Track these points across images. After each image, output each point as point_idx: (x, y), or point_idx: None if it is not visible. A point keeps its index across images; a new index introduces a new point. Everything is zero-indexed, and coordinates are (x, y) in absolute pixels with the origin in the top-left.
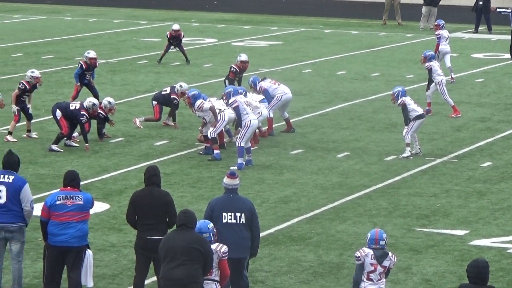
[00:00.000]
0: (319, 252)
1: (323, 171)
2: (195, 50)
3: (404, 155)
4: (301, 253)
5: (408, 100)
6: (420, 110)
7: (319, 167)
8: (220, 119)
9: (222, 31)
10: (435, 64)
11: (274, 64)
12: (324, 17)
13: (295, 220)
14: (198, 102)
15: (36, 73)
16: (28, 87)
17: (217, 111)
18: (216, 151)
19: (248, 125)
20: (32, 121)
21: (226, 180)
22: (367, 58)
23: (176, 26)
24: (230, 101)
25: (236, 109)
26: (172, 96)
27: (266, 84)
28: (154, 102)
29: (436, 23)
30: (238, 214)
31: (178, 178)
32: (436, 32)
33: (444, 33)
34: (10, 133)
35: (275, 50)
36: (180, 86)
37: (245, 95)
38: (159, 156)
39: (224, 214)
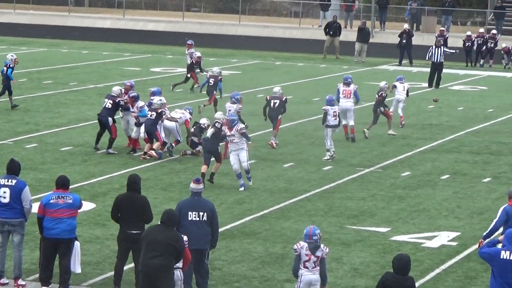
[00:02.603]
0: (266, 245)
1: (271, 178)
2: (169, 78)
3: (324, 158)
4: (252, 246)
5: (330, 110)
6: (333, 122)
7: (268, 175)
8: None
9: None
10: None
11: (234, 89)
12: (275, 51)
13: (248, 218)
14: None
15: (160, 99)
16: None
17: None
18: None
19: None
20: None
21: (192, 185)
22: (310, 85)
23: (199, 53)
24: (239, 127)
25: (244, 134)
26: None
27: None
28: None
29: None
30: (201, 213)
31: (152, 183)
32: (190, 50)
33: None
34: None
35: (235, 78)
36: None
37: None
38: (137, 165)
39: (189, 213)
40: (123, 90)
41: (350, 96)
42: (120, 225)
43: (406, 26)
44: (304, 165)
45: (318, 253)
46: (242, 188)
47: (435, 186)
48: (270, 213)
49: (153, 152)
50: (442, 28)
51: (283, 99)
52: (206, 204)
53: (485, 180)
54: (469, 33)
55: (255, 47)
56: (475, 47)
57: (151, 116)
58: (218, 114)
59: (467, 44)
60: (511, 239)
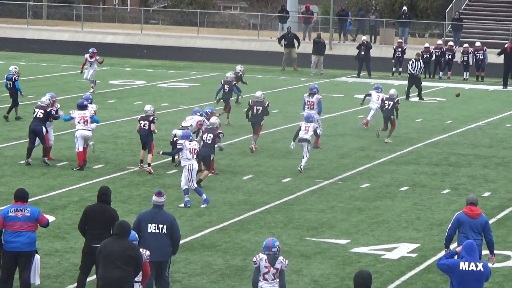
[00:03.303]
0: (226, 257)
1: (231, 190)
2: (127, 90)
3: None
4: (212, 258)
5: (302, 125)
6: (302, 136)
7: (228, 187)
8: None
9: (150, 74)
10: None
11: (192, 102)
12: (234, 63)
13: (208, 230)
14: None
15: (151, 106)
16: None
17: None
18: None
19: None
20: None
21: (154, 197)
22: (269, 97)
23: (240, 67)
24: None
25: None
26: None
27: (317, 98)
28: None
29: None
30: (160, 226)
31: (111, 196)
32: (95, 59)
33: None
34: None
35: (193, 90)
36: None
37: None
38: (97, 178)
39: (149, 225)
40: (51, 100)
41: (313, 107)
42: (86, 238)
43: (364, 38)
44: (263, 177)
45: (278, 265)
46: (189, 205)
47: (394, 197)
48: (230, 225)
49: (150, 168)
50: (400, 40)
51: (266, 105)
52: (165, 216)
53: (444, 191)
54: (427, 45)
55: (214, 59)
56: (433, 59)
57: (144, 126)
58: (213, 119)
59: (425, 56)
60: (469, 250)
